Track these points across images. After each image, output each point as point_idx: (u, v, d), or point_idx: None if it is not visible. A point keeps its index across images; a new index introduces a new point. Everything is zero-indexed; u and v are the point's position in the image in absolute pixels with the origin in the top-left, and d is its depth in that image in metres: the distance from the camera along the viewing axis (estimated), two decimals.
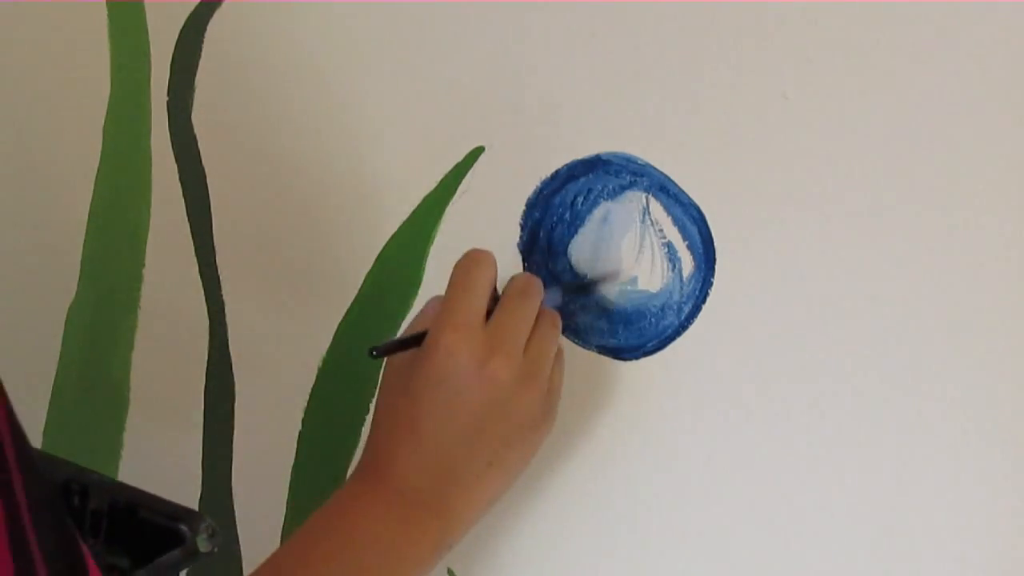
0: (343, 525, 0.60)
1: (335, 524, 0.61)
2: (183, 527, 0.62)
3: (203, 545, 0.61)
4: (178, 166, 0.82)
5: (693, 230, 0.67)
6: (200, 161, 0.81)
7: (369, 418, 0.78)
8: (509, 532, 0.74)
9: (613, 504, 0.71)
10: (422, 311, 0.65)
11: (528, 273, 0.66)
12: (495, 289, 0.64)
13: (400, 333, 0.65)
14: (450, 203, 0.73)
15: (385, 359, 0.64)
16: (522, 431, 0.62)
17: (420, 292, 0.75)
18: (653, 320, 0.68)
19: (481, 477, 0.61)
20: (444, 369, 0.60)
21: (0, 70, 0.86)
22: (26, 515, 0.42)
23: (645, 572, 0.71)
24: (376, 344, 0.62)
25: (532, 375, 0.61)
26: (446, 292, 0.62)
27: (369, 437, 0.63)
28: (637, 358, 0.69)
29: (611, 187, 0.68)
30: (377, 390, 0.65)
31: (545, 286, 0.66)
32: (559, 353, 0.65)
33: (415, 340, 0.62)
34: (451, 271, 0.63)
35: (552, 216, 0.70)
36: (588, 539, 0.72)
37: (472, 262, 0.63)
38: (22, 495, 0.43)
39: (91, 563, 0.46)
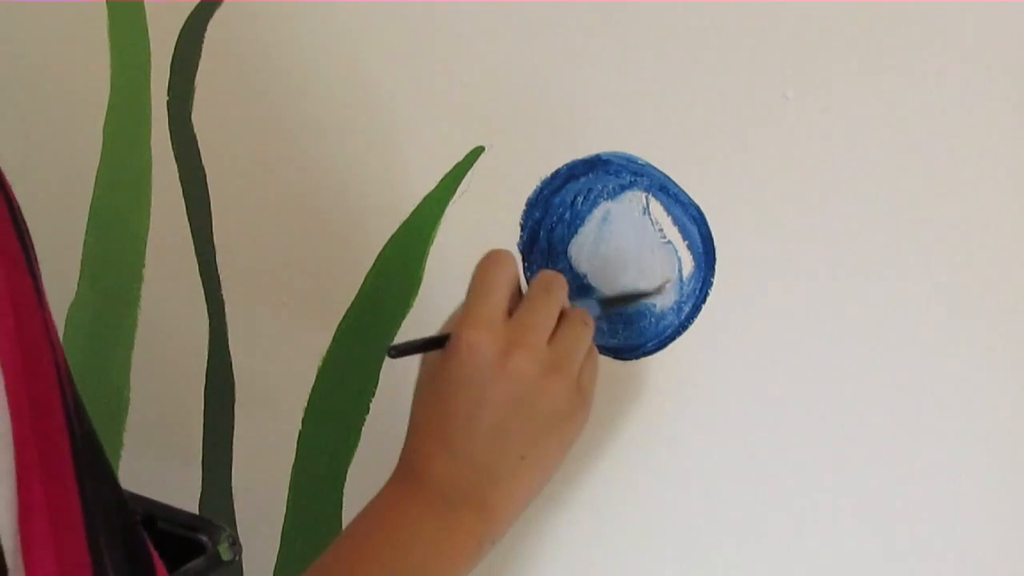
0: (385, 528, 0.61)
1: (377, 528, 0.61)
2: (203, 537, 0.62)
3: (225, 553, 0.62)
4: (178, 166, 0.82)
5: (693, 230, 0.67)
6: (200, 161, 0.81)
7: (369, 418, 0.78)
8: (509, 532, 0.74)
9: (613, 504, 0.71)
10: (450, 318, 0.65)
11: (553, 271, 0.66)
12: (518, 288, 0.64)
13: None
14: (450, 203, 0.73)
15: (421, 362, 0.64)
16: (551, 423, 0.61)
17: (420, 292, 0.75)
18: (653, 320, 0.68)
19: (515, 471, 0.61)
20: (468, 367, 0.60)
21: (0, 70, 0.86)
22: (99, 518, 0.43)
23: (645, 572, 0.71)
24: (396, 344, 0.62)
25: (557, 367, 0.61)
26: (467, 293, 0.62)
27: (406, 438, 0.63)
28: (637, 358, 0.69)
29: (611, 187, 0.68)
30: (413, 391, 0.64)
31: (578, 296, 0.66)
32: (592, 349, 0.64)
33: (436, 342, 0.62)
34: (471, 272, 0.63)
35: (552, 216, 0.70)
36: (588, 539, 0.72)
37: (491, 262, 0.63)
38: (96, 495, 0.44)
39: (159, 564, 0.47)
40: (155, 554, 0.48)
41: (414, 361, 0.63)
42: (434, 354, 0.62)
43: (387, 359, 0.64)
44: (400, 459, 0.63)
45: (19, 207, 0.42)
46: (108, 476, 0.46)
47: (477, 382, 0.60)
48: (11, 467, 0.39)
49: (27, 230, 0.43)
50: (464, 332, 0.60)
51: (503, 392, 0.60)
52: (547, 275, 0.65)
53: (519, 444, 0.61)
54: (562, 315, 0.63)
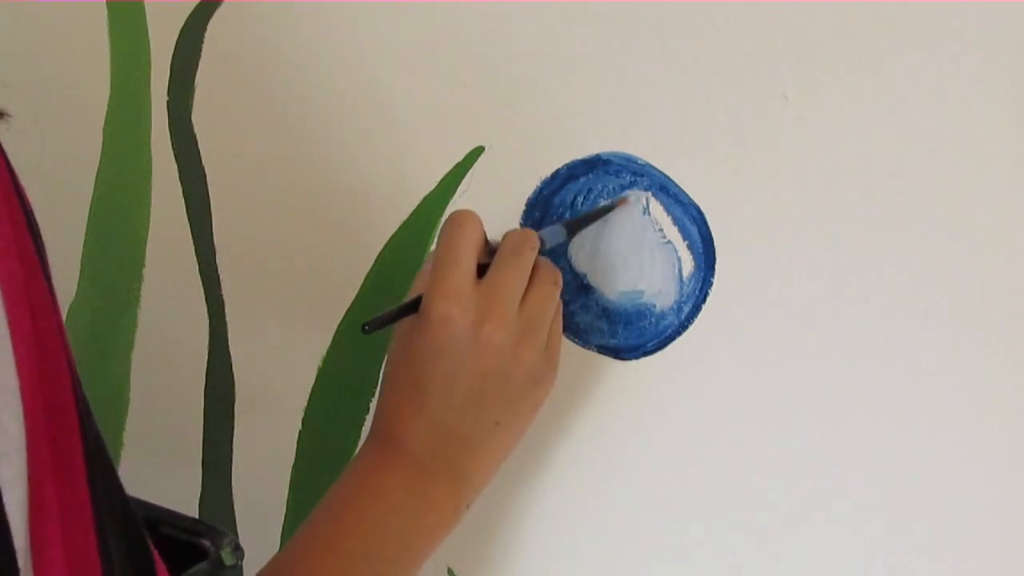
0: (363, 497, 0.61)
1: (357, 498, 0.61)
2: (205, 542, 0.63)
3: (228, 558, 0.62)
4: (178, 166, 0.82)
5: (693, 230, 0.67)
6: (200, 161, 0.81)
7: (369, 418, 0.78)
8: (509, 532, 0.74)
9: (613, 504, 0.71)
10: (421, 271, 0.64)
11: (523, 229, 0.65)
12: (487, 244, 0.63)
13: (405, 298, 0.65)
14: (450, 203, 0.73)
15: (394, 327, 0.64)
16: (524, 388, 0.62)
17: None
18: (653, 320, 0.68)
19: (489, 438, 0.62)
20: (440, 339, 0.60)
21: (0, 70, 0.86)
22: (107, 519, 0.43)
23: (645, 572, 0.71)
24: (368, 320, 0.61)
25: (528, 333, 0.61)
26: (434, 258, 0.62)
27: (378, 405, 0.64)
28: (637, 358, 0.69)
29: (611, 187, 0.68)
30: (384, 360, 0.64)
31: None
32: (558, 306, 0.64)
33: (406, 309, 0.62)
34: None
35: (552, 216, 0.70)
36: (588, 539, 0.72)
37: (455, 225, 0.62)
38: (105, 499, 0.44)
39: (160, 566, 0.47)
40: (157, 556, 0.48)
41: None
42: (406, 321, 0.62)
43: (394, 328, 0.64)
44: (372, 428, 0.63)
45: (33, 212, 0.43)
46: (113, 477, 0.46)
47: (451, 353, 0.60)
48: (23, 469, 0.40)
49: (40, 235, 0.43)
50: (434, 303, 0.60)
51: (477, 363, 0.60)
52: (516, 236, 0.64)
53: (494, 411, 0.61)
54: (532, 273, 0.62)
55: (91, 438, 0.43)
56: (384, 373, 0.64)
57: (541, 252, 0.64)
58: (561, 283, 0.64)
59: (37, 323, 0.41)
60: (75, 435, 0.42)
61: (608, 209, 0.68)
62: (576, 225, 0.67)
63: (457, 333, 0.60)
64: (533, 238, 0.64)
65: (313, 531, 0.61)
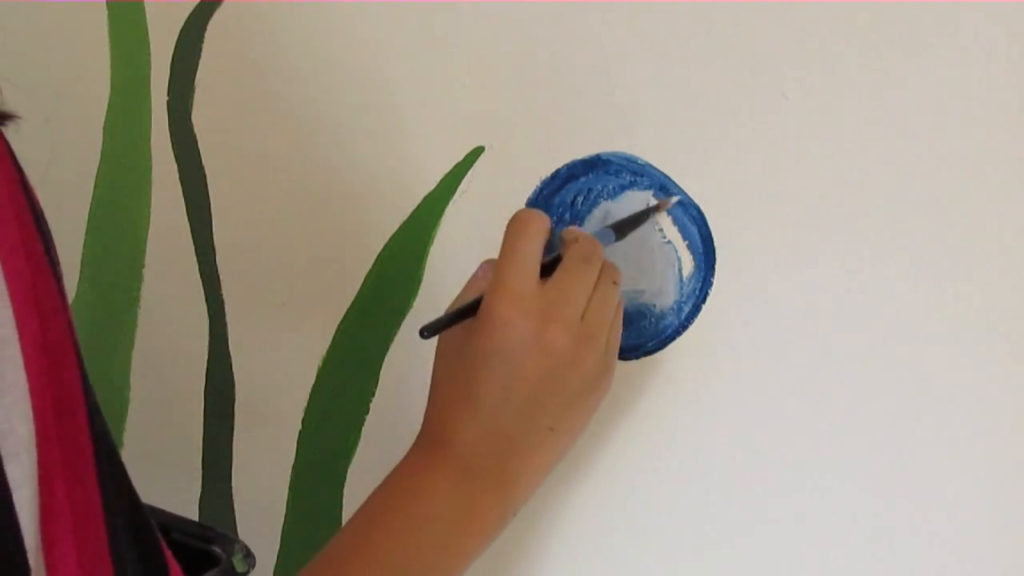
0: (407, 501, 0.60)
1: (399, 498, 0.60)
2: (216, 549, 0.62)
3: (240, 565, 0.62)
4: (178, 166, 0.82)
5: (693, 230, 0.67)
6: (200, 161, 0.81)
7: (369, 418, 0.78)
8: (508, 532, 0.74)
9: (613, 504, 0.71)
10: (474, 276, 0.63)
11: (590, 236, 0.64)
12: (550, 243, 0.62)
13: (452, 302, 0.64)
14: (450, 203, 0.73)
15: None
16: (581, 394, 0.61)
17: (420, 292, 0.75)
18: (653, 320, 0.68)
19: (542, 443, 0.61)
20: (500, 341, 0.59)
21: (0, 70, 0.86)
22: (118, 519, 0.43)
23: (645, 572, 0.71)
24: (427, 324, 0.60)
25: (589, 339, 0.60)
26: (498, 259, 0.61)
27: (428, 407, 0.62)
28: (637, 358, 0.69)
29: (611, 187, 0.68)
30: (433, 357, 0.63)
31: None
32: (618, 308, 0.63)
33: (467, 311, 0.61)
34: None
35: (552, 216, 0.70)
36: (588, 539, 0.72)
37: (521, 224, 0.61)
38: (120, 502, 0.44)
39: (173, 565, 0.47)
40: (169, 554, 0.48)
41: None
42: (460, 324, 0.61)
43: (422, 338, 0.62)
44: (422, 430, 0.62)
45: (43, 212, 0.43)
46: (123, 476, 0.46)
47: (510, 356, 0.59)
48: (33, 469, 0.40)
49: (50, 235, 0.43)
50: (496, 305, 0.59)
51: (537, 367, 0.59)
52: (588, 244, 0.62)
53: (549, 416, 0.60)
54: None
55: (101, 438, 0.43)
56: (434, 375, 0.63)
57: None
58: (620, 281, 0.63)
59: (45, 323, 0.41)
60: (84, 435, 0.43)
61: (656, 210, 0.67)
62: (625, 227, 0.66)
63: (518, 336, 0.59)
64: (600, 247, 0.63)
65: (354, 530, 0.60)
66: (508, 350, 0.59)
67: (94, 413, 0.43)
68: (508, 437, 0.60)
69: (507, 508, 0.61)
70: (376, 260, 0.76)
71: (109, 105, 0.83)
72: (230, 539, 0.63)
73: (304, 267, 0.79)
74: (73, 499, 0.42)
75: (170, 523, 0.64)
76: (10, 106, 0.47)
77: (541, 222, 0.62)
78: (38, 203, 0.43)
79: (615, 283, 0.62)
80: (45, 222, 0.43)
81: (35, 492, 0.40)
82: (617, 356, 0.64)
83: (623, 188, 0.68)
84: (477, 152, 0.72)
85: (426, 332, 0.60)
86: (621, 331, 0.64)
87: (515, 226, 0.61)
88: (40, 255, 0.42)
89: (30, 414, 0.40)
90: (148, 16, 0.80)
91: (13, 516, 0.39)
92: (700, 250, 0.67)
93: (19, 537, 0.39)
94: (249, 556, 0.63)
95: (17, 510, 0.39)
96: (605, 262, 0.63)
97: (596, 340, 0.61)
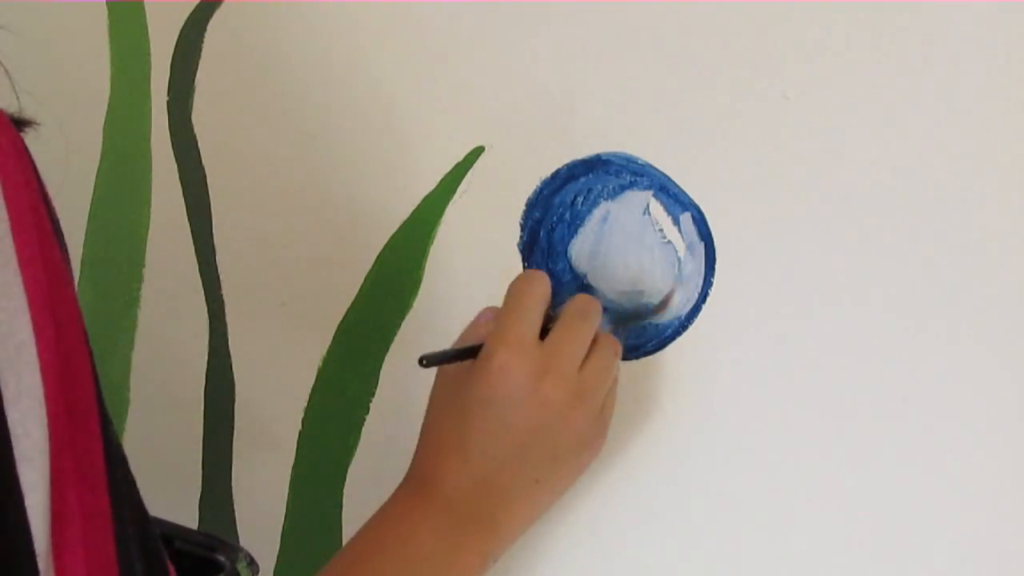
0: (392, 541, 0.61)
1: (384, 540, 0.61)
2: (220, 557, 0.63)
3: (245, 572, 0.62)
4: (178, 166, 0.82)
5: (693, 230, 0.67)
6: (200, 161, 0.81)
7: (369, 418, 0.78)
8: None
9: (614, 504, 0.71)
10: (474, 322, 0.65)
11: (588, 295, 0.66)
12: (548, 307, 0.64)
13: (453, 344, 0.65)
14: (450, 203, 0.73)
15: (436, 370, 0.64)
16: (571, 450, 0.62)
17: (420, 292, 0.75)
18: (653, 320, 0.68)
19: (529, 494, 0.62)
20: (497, 387, 0.60)
21: (0, 70, 0.86)
22: (127, 527, 0.44)
23: (646, 572, 0.71)
24: (428, 354, 0.61)
25: (584, 396, 0.61)
26: (501, 309, 0.63)
27: (418, 448, 0.64)
28: (637, 358, 0.69)
29: (611, 187, 0.68)
30: (428, 399, 0.64)
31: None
32: (615, 377, 0.65)
33: (467, 353, 0.62)
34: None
35: (552, 216, 0.70)
36: (588, 539, 0.72)
37: (527, 280, 0.63)
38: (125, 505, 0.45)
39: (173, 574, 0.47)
40: (170, 566, 0.48)
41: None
42: (457, 366, 0.62)
43: (437, 371, 0.64)
44: (411, 469, 0.63)
45: (58, 221, 0.43)
46: (133, 487, 0.46)
47: (504, 404, 0.60)
48: (46, 474, 0.40)
49: (65, 243, 0.43)
50: (497, 352, 0.60)
51: (529, 417, 0.60)
52: (584, 300, 0.65)
53: (537, 468, 0.61)
54: (593, 341, 0.63)
55: (113, 446, 0.44)
56: (427, 417, 0.64)
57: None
58: (621, 353, 0.65)
59: (61, 331, 0.41)
60: (97, 442, 0.43)
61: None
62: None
63: (515, 384, 0.60)
64: (598, 305, 0.64)
65: (342, 571, 0.61)
66: (503, 398, 0.60)
67: (106, 423, 0.44)
68: (496, 485, 0.61)
69: (488, 554, 0.62)
70: (376, 260, 0.76)
71: (109, 105, 0.83)
72: (233, 547, 0.63)
73: (304, 267, 0.79)
74: (84, 506, 0.42)
75: (173, 532, 0.64)
76: (10, 106, 0.47)
77: (544, 283, 0.63)
78: (55, 212, 0.43)
79: (616, 355, 0.64)
80: (61, 231, 0.43)
81: (47, 497, 0.40)
82: (610, 422, 0.64)
83: (623, 188, 0.68)
84: (477, 152, 0.72)
85: (425, 361, 0.61)
86: (615, 399, 0.65)
87: (519, 284, 0.63)
88: (58, 263, 0.42)
89: (45, 420, 0.40)
90: (148, 16, 0.80)
91: (24, 519, 0.40)
92: (700, 250, 0.67)
93: (30, 540, 0.40)
94: (253, 564, 0.63)
95: (29, 514, 0.40)
96: (608, 336, 0.64)
97: (591, 400, 0.62)
